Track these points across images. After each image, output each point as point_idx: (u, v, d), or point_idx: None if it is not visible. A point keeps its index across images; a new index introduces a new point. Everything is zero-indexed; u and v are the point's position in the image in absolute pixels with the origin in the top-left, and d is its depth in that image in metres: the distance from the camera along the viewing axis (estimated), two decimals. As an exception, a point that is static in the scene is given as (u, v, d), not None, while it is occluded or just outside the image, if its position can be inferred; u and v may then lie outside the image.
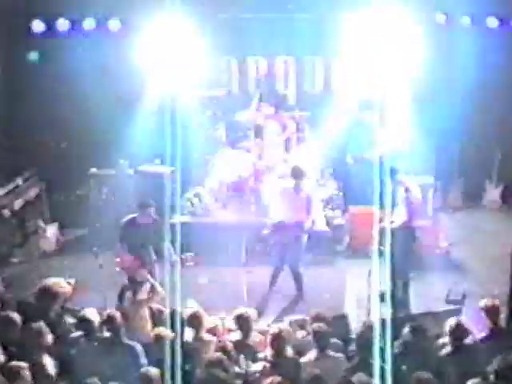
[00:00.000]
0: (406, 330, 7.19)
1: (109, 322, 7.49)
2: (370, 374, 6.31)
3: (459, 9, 12.01)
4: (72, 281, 9.25)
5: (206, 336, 7.75)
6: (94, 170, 12.34)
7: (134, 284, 9.12)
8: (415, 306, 9.61)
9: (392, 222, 9.59)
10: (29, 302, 8.23)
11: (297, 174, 10.14)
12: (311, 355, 7.22)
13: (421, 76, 11.96)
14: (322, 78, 12.78)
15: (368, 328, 7.49)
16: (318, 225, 11.07)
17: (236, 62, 12.76)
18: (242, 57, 12.68)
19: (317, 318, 7.65)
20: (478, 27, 12.15)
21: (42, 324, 7.21)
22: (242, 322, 7.70)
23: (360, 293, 9.81)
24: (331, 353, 7.21)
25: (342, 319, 8.12)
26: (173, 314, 6.65)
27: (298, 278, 10.09)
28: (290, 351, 7.24)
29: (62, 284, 8.31)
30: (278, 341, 7.14)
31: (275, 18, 12.25)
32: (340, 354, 7.25)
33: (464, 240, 11.72)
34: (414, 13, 11.85)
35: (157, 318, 8.24)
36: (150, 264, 9.60)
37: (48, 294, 7.99)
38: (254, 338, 7.73)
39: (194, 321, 7.70)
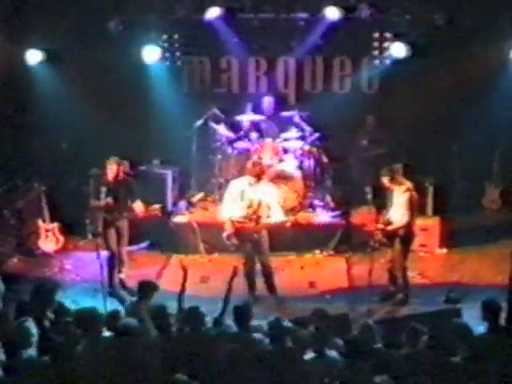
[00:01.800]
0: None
1: None
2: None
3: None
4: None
5: None
6: (94, 169, 12.33)
7: None
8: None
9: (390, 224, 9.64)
10: (28, 302, 8.20)
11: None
12: (308, 355, 7.09)
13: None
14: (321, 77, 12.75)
15: (367, 328, 7.48)
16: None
17: (237, 61, 12.72)
18: (242, 57, 12.64)
19: (317, 315, 7.60)
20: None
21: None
22: None
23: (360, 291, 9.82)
24: (329, 353, 7.05)
25: (343, 318, 8.10)
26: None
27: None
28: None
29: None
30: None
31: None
32: (336, 354, 7.06)
33: (464, 240, 11.70)
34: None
35: None
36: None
37: (43, 291, 8.00)
38: None
39: None
